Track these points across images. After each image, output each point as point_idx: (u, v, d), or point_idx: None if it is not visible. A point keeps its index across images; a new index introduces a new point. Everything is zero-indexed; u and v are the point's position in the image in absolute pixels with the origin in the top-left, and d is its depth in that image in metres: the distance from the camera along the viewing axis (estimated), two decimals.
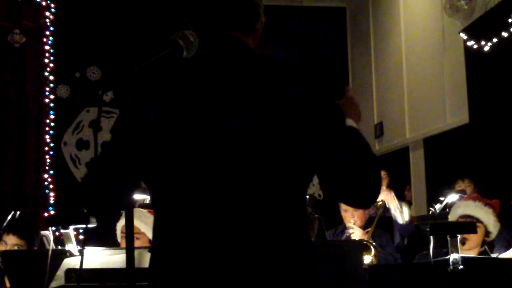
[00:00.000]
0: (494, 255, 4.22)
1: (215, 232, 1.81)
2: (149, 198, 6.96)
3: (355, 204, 2.21)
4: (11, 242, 4.33)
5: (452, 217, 4.25)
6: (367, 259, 4.70)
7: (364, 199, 1.95)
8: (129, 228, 1.82)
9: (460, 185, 6.34)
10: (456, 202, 4.63)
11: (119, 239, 4.27)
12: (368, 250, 4.73)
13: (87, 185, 1.99)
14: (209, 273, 1.79)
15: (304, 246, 1.89)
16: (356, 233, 4.91)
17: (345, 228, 5.05)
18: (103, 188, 1.94)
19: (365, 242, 4.73)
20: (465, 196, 5.42)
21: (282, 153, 1.84)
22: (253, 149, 1.83)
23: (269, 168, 1.83)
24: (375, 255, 4.71)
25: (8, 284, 3.78)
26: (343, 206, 5.04)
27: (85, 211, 3.29)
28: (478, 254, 4.03)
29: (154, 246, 1.95)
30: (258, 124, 1.83)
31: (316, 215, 4.45)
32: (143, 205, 6.17)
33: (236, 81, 1.88)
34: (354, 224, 4.97)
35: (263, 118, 1.83)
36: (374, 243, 4.78)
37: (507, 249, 4.47)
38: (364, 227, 5.02)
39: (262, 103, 1.84)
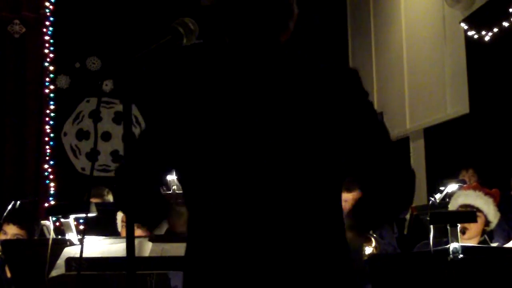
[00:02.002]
0: (493, 245, 4.22)
1: (252, 231, 1.81)
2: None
3: (394, 208, 2.09)
4: (12, 231, 4.33)
5: (452, 206, 4.25)
6: (368, 250, 4.70)
7: (403, 201, 1.97)
8: (129, 215, 1.82)
9: (464, 175, 6.34)
10: (456, 192, 4.63)
11: (119, 228, 4.28)
12: (368, 241, 4.73)
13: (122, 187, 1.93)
14: (245, 272, 1.80)
15: (340, 246, 1.89)
16: None
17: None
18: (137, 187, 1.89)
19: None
20: (465, 185, 5.41)
21: (319, 153, 1.84)
22: (290, 148, 1.83)
23: (306, 168, 1.83)
24: (375, 247, 4.70)
25: (9, 273, 3.78)
26: (343, 196, 5.01)
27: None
28: (478, 244, 4.03)
29: (189, 243, 1.93)
30: (294, 125, 1.83)
31: None
32: None
33: (273, 83, 1.86)
34: None
35: (299, 119, 1.83)
36: (374, 235, 4.77)
37: (506, 239, 4.48)
38: None
39: (297, 105, 1.84)
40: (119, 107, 8.92)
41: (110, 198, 6.48)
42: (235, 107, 1.85)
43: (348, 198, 4.99)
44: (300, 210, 1.83)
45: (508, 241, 4.36)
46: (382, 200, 1.96)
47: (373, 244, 4.71)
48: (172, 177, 4.99)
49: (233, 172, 1.83)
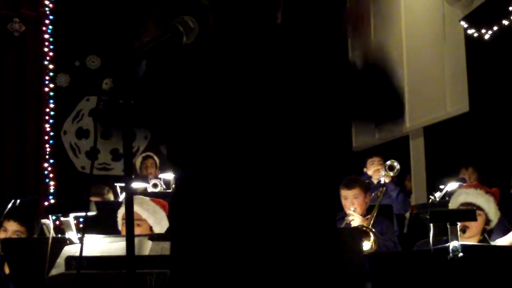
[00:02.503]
0: (492, 242, 4.22)
1: (240, 218, 1.82)
2: (148, 186, 6.96)
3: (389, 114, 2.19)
4: (12, 228, 4.33)
5: (453, 204, 4.24)
6: (366, 245, 4.70)
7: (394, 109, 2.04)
8: (129, 215, 1.82)
9: (464, 173, 6.34)
10: (457, 190, 4.63)
11: (119, 227, 4.27)
12: (367, 236, 4.73)
13: None
14: (231, 260, 1.80)
15: (331, 236, 1.92)
16: (356, 220, 4.90)
17: (344, 215, 5.04)
18: None
19: (364, 228, 4.72)
20: (465, 184, 5.41)
21: (309, 125, 1.88)
22: (279, 125, 1.85)
23: (297, 145, 1.86)
24: (374, 241, 4.70)
25: (7, 271, 3.78)
26: (343, 194, 5.03)
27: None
28: (478, 242, 4.03)
29: (174, 236, 1.94)
30: (284, 97, 1.86)
31: None
32: (144, 193, 6.19)
33: (259, 54, 1.90)
34: (354, 211, 4.96)
35: (290, 89, 1.87)
36: (373, 229, 4.77)
37: (504, 233, 4.48)
38: (364, 214, 5.01)
39: (284, 71, 1.88)
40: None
41: (110, 196, 6.48)
42: (224, 79, 1.88)
43: (348, 195, 5.00)
44: (289, 199, 1.83)
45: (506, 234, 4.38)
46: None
47: (372, 238, 4.71)
48: (172, 177, 4.99)
49: (219, 155, 1.84)
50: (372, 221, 4.90)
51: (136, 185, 6.70)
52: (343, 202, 5.05)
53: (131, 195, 1.82)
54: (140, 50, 1.79)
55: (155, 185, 7.13)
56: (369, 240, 4.71)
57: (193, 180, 1.88)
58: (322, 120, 1.90)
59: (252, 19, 1.95)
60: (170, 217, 1.97)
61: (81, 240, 2.97)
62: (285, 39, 1.94)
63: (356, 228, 4.59)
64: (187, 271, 1.85)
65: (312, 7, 1.99)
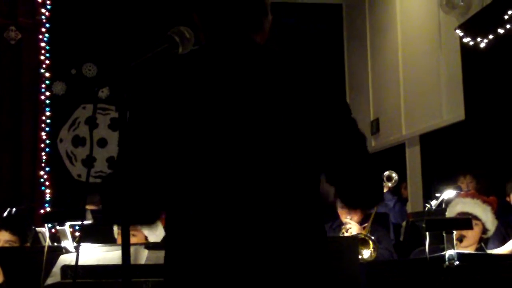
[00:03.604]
0: (489, 251, 4.23)
1: (231, 228, 1.81)
2: None
3: (363, 204, 2.22)
4: (4, 238, 4.32)
5: (450, 214, 4.25)
6: (366, 253, 4.71)
7: (372, 199, 2.04)
8: (125, 223, 1.81)
9: (462, 181, 6.35)
10: (454, 199, 4.63)
11: (115, 236, 4.27)
12: (366, 244, 4.73)
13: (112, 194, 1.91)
14: (224, 270, 1.80)
15: (319, 238, 1.90)
16: (353, 228, 4.90)
17: (341, 223, 5.04)
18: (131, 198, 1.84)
19: (363, 237, 4.73)
20: (461, 192, 5.42)
21: (296, 150, 1.87)
22: (268, 147, 1.84)
23: (283, 164, 1.85)
24: (374, 249, 4.71)
25: (1, 278, 3.76)
26: (339, 203, 5.03)
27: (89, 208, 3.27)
28: (474, 251, 4.03)
29: (168, 245, 1.93)
30: (271, 123, 1.85)
31: None
32: None
33: (248, 80, 1.88)
34: (350, 219, 4.96)
35: (276, 116, 1.85)
36: (372, 237, 4.78)
37: (501, 242, 4.48)
38: (360, 223, 5.01)
39: (274, 101, 1.86)
40: (115, 114, 8.92)
41: None
42: (210, 106, 1.86)
43: None
44: (279, 211, 1.83)
45: (503, 244, 4.37)
46: (350, 197, 2.04)
47: (371, 246, 4.71)
48: None
49: (210, 170, 1.84)
50: (369, 230, 4.91)
51: None
52: (340, 211, 5.06)
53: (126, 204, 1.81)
54: (136, 60, 1.79)
55: None
56: (369, 248, 4.72)
57: (186, 193, 1.88)
58: (311, 136, 1.89)
59: (233, 39, 1.95)
60: (166, 227, 1.97)
61: (77, 249, 2.96)
62: (273, 62, 1.94)
63: (354, 236, 4.60)
64: (181, 279, 1.86)
65: (309, 17, 1.98)
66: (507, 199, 4.91)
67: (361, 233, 4.79)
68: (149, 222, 2.03)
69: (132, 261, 2.95)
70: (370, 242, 4.74)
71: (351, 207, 2.25)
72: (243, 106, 1.85)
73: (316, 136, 1.89)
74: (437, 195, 5.85)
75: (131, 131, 1.90)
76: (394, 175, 6.38)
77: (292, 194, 1.86)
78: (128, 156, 1.85)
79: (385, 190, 6.66)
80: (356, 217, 4.99)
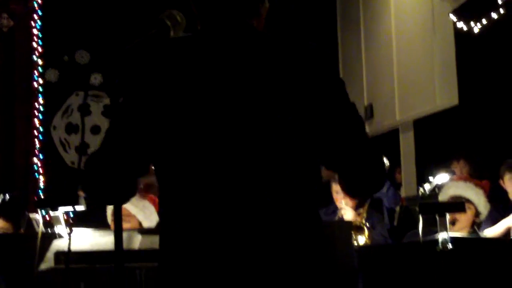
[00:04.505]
0: (481, 233, 4.25)
1: (226, 213, 1.80)
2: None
3: (366, 191, 2.19)
4: None
5: (443, 197, 4.26)
6: (361, 239, 4.72)
7: (374, 185, 2.00)
8: (117, 209, 1.82)
9: (456, 166, 6.36)
10: (447, 183, 4.65)
11: (109, 221, 4.27)
12: (361, 231, 4.75)
13: (93, 175, 1.91)
14: (222, 258, 1.79)
15: (316, 225, 1.89)
16: (348, 214, 4.91)
17: (336, 208, 5.05)
18: (111, 178, 1.87)
19: (358, 224, 4.74)
20: (454, 176, 5.43)
21: (295, 134, 1.85)
22: (265, 131, 1.83)
23: (282, 149, 1.83)
24: (369, 236, 4.73)
25: None
26: (334, 188, 5.04)
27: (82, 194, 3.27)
28: (467, 234, 4.05)
29: (163, 230, 1.93)
30: (269, 106, 1.83)
31: None
32: None
33: (246, 64, 1.86)
34: (345, 205, 4.97)
35: (274, 99, 1.83)
36: (367, 224, 4.79)
37: (494, 223, 4.51)
38: (355, 208, 5.02)
39: (271, 86, 1.84)
40: (109, 101, 8.90)
41: None
42: (207, 91, 1.84)
43: (339, 189, 5.00)
44: (275, 198, 1.82)
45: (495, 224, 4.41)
46: (351, 183, 2.00)
47: (366, 233, 4.73)
48: None
49: (202, 156, 1.82)
50: (365, 216, 4.92)
51: None
52: (335, 196, 5.07)
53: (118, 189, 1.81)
54: (128, 44, 1.78)
55: None
56: (364, 235, 4.73)
57: (178, 179, 1.87)
58: (310, 121, 1.88)
59: (229, 24, 1.93)
60: (159, 212, 1.96)
61: (69, 234, 2.96)
62: (271, 46, 1.91)
63: (349, 223, 4.61)
64: (175, 264, 1.85)
65: (303, 3, 1.95)
66: (500, 182, 4.93)
67: (357, 220, 4.81)
68: (124, 200, 2.02)
69: (126, 246, 2.95)
70: (365, 229, 4.76)
71: (354, 195, 2.20)
72: (239, 91, 1.83)
73: (314, 121, 1.87)
74: (430, 179, 5.87)
75: (122, 115, 1.90)
76: (385, 161, 6.39)
77: (289, 181, 1.85)
78: (115, 137, 1.86)
79: None
80: (351, 202, 4.99)
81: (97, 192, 1.92)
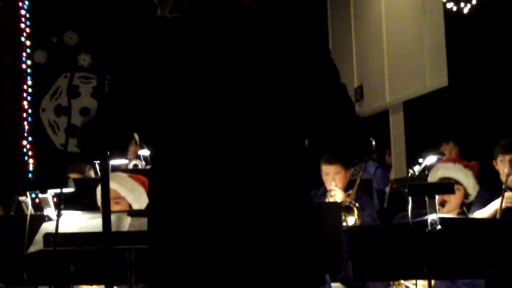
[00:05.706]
0: (471, 215, 4.26)
1: (216, 193, 1.80)
2: (128, 164, 6.93)
3: (351, 156, 2.23)
4: None
5: (432, 179, 4.27)
6: (351, 220, 4.73)
7: (360, 150, 2.04)
8: (105, 190, 1.81)
9: (445, 147, 6.37)
10: (436, 164, 4.65)
11: (99, 203, 4.25)
12: (351, 211, 4.75)
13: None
14: (210, 234, 1.79)
15: (305, 203, 1.89)
16: (338, 195, 4.91)
17: (326, 190, 5.05)
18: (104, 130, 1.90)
19: (347, 204, 4.74)
20: (444, 158, 5.44)
21: (281, 109, 1.84)
22: (252, 105, 1.82)
23: (269, 123, 1.83)
24: (358, 216, 4.73)
25: None
26: (324, 170, 5.04)
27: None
28: (456, 216, 4.06)
29: (151, 211, 1.93)
30: (256, 80, 1.82)
31: None
32: (124, 170, 6.16)
33: (234, 40, 1.85)
34: (335, 186, 4.97)
35: (263, 77, 1.83)
36: (356, 204, 4.80)
37: (484, 205, 4.52)
38: (345, 189, 5.02)
39: (260, 61, 1.83)
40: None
41: (91, 174, 6.43)
42: (195, 68, 1.84)
43: (329, 171, 5.01)
44: (262, 172, 1.82)
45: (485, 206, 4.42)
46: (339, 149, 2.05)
47: (356, 213, 4.73)
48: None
49: (195, 136, 1.82)
50: (354, 197, 4.93)
51: (116, 162, 6.66)
52: (324, 177, 5.06)
53: (106, 170, 1.80)
54: (115, 23, 1.76)
55: (135, 166, 7.09)
56: (354, 216, 4.74)
57: (168, 160, 1.87)
58: (298, 99, 1.87)
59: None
60: (149, 194, 1.96)
61: (58, 216, 2.95)
62: (260, 22, 1.90)
63: (338, 204, 4.61)
64: (164, 246, 1.85)
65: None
66: (494, 163, 4.93)
67: (346, 201, 4.81)
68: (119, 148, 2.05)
69: (115, 228, 2.94)
70: (355, 209, 4.76)
71: (339, 158, 2.21)
72: (227, 67, 1.82)
73: (303, 99, 1.86)
74: (420, 160, 5.88)
75: (111, 90, 1.91)
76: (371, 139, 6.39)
77: (277, 159, 1.85)
78: (106, 107, 1.88)
79: None
80: (341, 184, 4.99)
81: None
